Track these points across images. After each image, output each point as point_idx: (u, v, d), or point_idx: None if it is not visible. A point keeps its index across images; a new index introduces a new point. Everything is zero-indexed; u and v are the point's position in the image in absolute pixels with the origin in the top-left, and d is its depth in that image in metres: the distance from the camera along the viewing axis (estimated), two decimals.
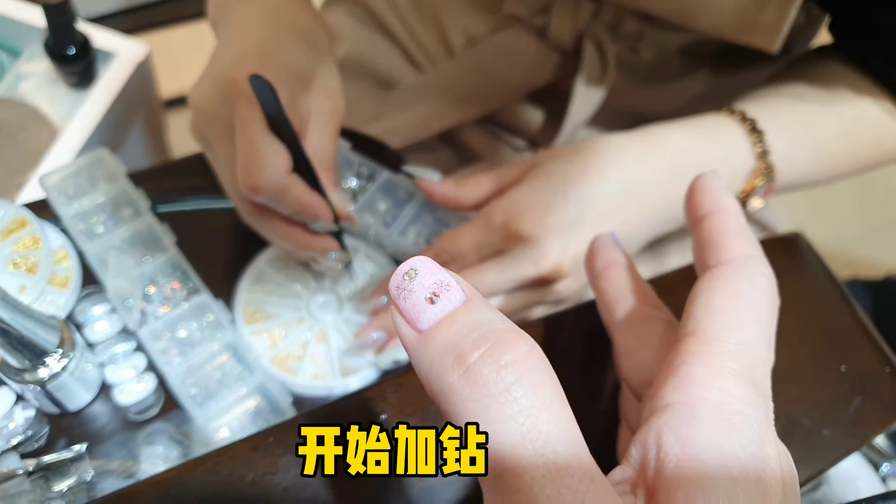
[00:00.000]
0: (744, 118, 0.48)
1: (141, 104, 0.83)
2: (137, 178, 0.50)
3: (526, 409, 0.19)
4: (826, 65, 0.52)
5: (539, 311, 0.49)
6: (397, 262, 0.49)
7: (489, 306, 0.21)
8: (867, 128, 0.51)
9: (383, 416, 0.33)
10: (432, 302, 0.21)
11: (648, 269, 0.60)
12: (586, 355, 0.36)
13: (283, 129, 0.39)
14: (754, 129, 0.48)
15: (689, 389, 0.23)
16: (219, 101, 0.41)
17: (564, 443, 0.19)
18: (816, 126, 0.50)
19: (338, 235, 0.44)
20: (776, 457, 0.22)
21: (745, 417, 0.22)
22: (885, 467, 0.73)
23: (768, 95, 0.51)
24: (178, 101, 1.26)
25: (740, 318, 0.24)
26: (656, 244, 0.62)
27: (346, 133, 0.53)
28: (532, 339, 0.20)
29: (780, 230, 0.67)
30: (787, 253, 0.45)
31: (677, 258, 0.61)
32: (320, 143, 0.42)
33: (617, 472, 0.23)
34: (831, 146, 0.51)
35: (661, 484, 0.21)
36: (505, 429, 0.19)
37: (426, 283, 0.21)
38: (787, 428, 0.37)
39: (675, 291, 0.37)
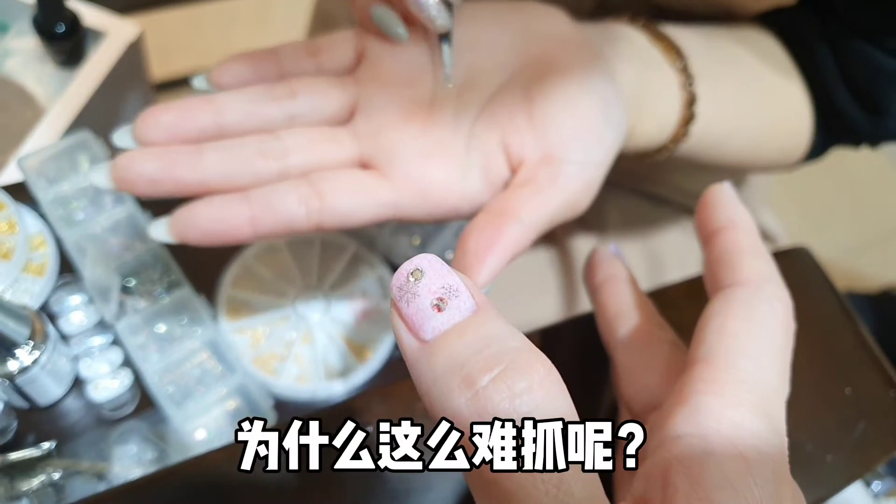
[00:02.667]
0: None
1: (131, 86, 0.81)
2: None
3: None
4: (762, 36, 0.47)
5: None
6: (391, 264, 0.48)
7: (502, 319, 0.19)
8: (778, 103, 0.46)
9: (369, 428, 0.31)
10: (439, 309, 0.19)
11: (645, 279, 0.59)
12: (582, 372, 0.35)
13: None
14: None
15: (702, 421, 0.21)
16: None
17: (580, 485, 0.17)
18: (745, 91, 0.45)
19: None
20: (792, 497, 0.20)
21: (760, 455, 0.20)
22: (877, 486, 0.72)
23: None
24: (172, 84, 1.23)
25: (756, 345, 0.23)
26: (654, 252, 0.60)
27: None
28: (548, 360, 0.18)
29: (781, 240, 0.66)
30: (790, 268, 0.43)
31: (675, 269, 0.60)
32: None
33: None
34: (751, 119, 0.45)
35: None
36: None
37: (433, 286, 0.19)
38: (789, 453, 0.35)
39: (677, 306, 0.36)
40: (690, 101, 0.39)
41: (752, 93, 0.44)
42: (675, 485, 0.20)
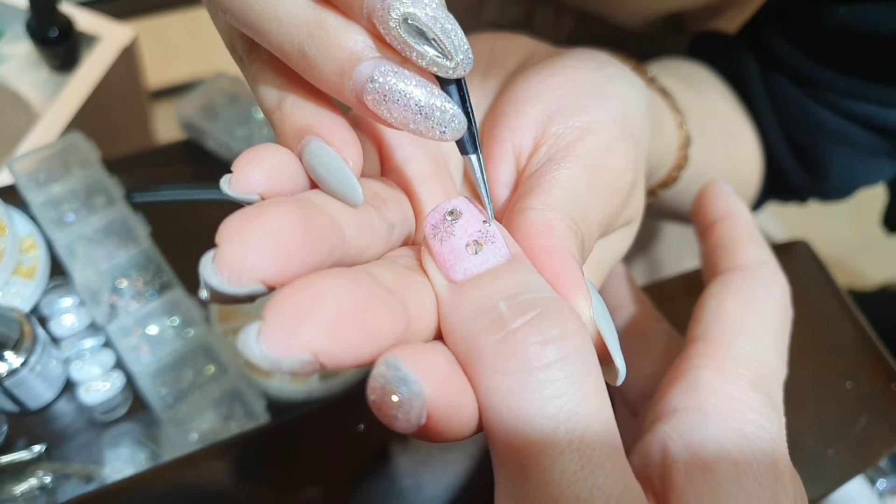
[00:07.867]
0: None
1: (126, 92, 0.81)
2: (112, 165, 0.47)
3: (566, 394, 0.16)
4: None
5: None
6: None
7: (536, 273, 0.18)
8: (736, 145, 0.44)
9: (361, 426, 0.30)
10: (474, 252, 0.18)
11: (640, 277, 0.58)
12: None
13: None
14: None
15: (699, 395, 0.21)
16: None
17: (603, 443, 0.16)
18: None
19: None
20: (790, 475, 0.20)
21: (758, 429, 0.20)
22: (881, 484, 0.71)
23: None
24: (168, 92, 1.22)
25: (753, 325, 0.23)
26: (650, 251, 0.60)
27: None
28: (581, 318, 0.18)
29: (778, 239, 0.65)
30: (789, 262, 0.43)
31: (670, 266, 0.59)
32: None
33: None
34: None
35: (670, 492, 0.19)
36: (538, 412, 0.16)
37: (470, 228, 0.18)
38: (790, 448, 0.35)
39: (674, 300, 0.35)
40: (680, 123, 0.36)
41: (720, 132, 0.42)
42: (673, 456, 0.19)
